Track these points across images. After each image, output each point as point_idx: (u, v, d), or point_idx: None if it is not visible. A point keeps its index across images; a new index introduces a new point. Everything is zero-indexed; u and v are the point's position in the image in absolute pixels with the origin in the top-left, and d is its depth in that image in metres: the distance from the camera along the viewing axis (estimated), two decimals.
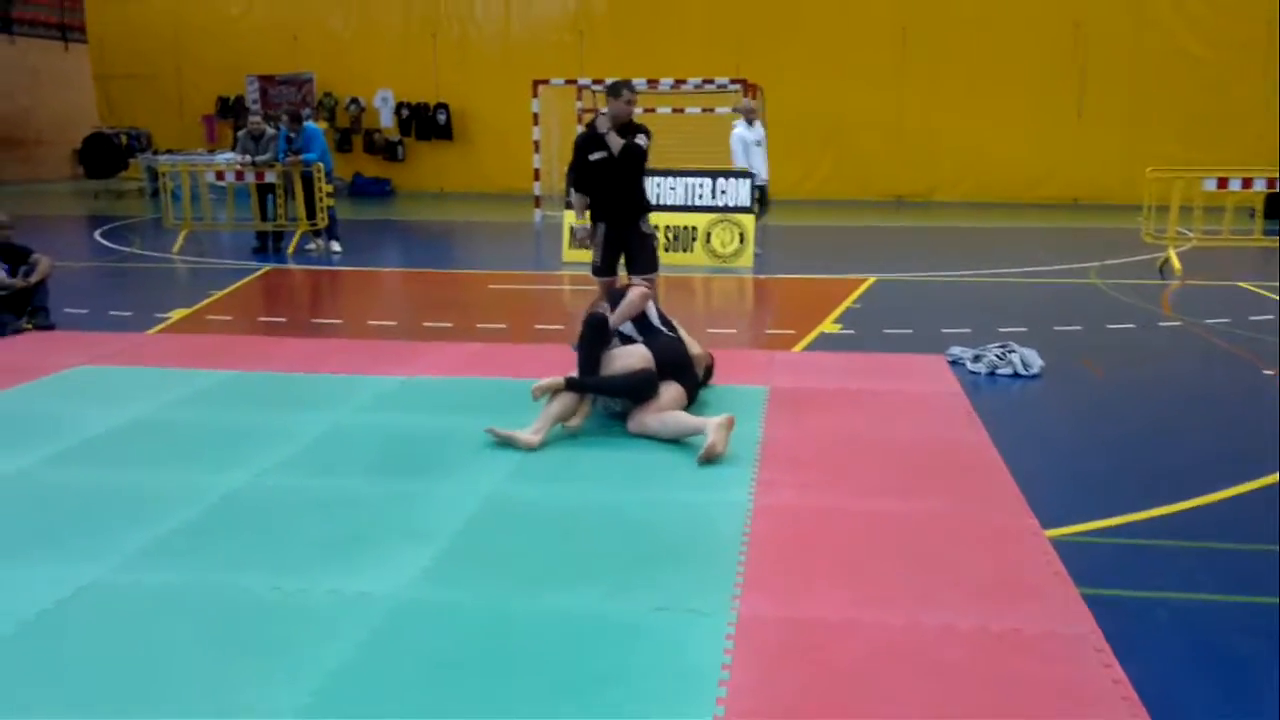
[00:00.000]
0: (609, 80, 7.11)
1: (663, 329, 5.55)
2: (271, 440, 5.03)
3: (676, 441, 4.95)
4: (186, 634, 3.17)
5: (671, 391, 5.20)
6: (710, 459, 4.67)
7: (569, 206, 6.95)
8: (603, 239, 6.91)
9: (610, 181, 6.74)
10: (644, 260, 6.94)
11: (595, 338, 5.29)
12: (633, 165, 6.69)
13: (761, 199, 12.44)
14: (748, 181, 12.15)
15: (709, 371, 5.88)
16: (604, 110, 6.80)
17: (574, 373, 5.20)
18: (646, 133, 6.75)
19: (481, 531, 3.97)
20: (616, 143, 6.60)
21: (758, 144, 12.44)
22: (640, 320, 5.50)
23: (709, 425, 4.79)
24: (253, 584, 3.49)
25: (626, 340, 5.42)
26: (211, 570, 3.60)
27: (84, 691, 2.86)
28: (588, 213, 6.89)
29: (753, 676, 2.91)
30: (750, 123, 12.52)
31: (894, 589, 3.47)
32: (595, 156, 6.71)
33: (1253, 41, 18.86)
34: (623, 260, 6.98)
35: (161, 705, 2.78)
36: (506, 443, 4.93)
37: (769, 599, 3.38)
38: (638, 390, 5.12)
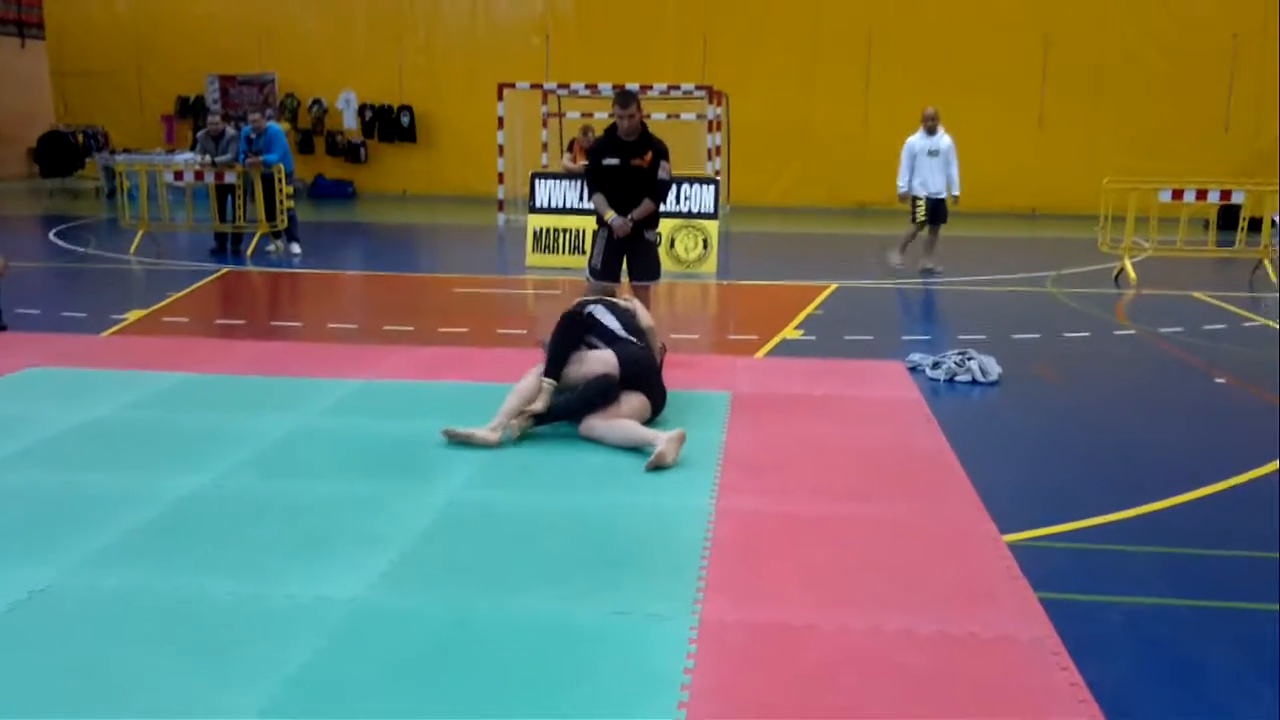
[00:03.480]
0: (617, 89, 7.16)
1: (631, 339, 5.48)
2: (229, 443, 4.97)
3: (634, 448, 4.94)
4: (142, 637, 3.12)
5: (633, 401, 5.19)
6: (658, 467, 4.65)
7: (596, 214, 6.95)
8: (604, 242, 6.92)
9: (621, 187, 6.80)
10: (645, 267, 7.00)
11: (565, 336, 5.29)
12: (648, 178, 6.77)
13: (932, 215, 11.58)
14: (712, 187, 12.18)
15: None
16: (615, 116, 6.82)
17: (537, 369, 5.23)
18: (665, 154, 6.82)
19: (442, 536, 3.95)
20: (667, 171, 6.80)
21: (931, 154, 11.53)
22: (604, 332, 5.47)
23: (660, 437, 4.78)
24: (209, 587, 3.44)
25: (592, 347, 5.41)
26: (168, 574, 3.55)
27: (38, 696, 2.81)
28: (610, 211, 6.83)
29: (714, 680, 2.91)
30: (931, 131, 11.58)
31: (854, 593, 3.49)
32: (608, 162, 6.81)
33: (1211, 55, 19.18)
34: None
35: (117, 709, 2.74)
36: (465, 441, 4.91)
37: (730, 603, 3.39)
38: (598, 400, 5.11)
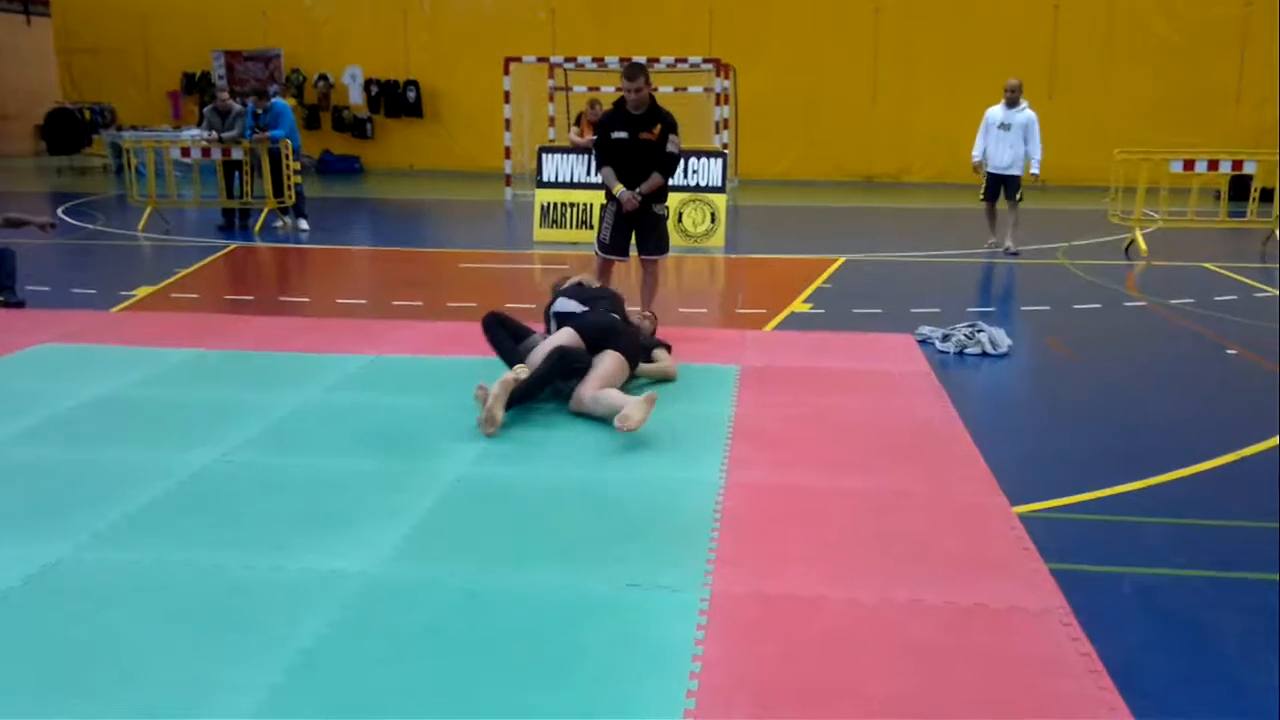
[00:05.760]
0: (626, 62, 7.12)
1: (588, 308, 5.58)
2: (240, 418, 4.98)
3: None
4: (156, 612, 3.14)
5: (608, 360, 5.22)
6: (624, 429, 4.56)
7: (604, 186, 6.94)
8: (613, 216, 6.90)
9: (629, 160, 6.79)
10: (654, 242, 7.00)
11: (493, 334, 5.49)
12: (656, 151, 6.75)
13: (990, 190, 11.29)
14: (720, 161, 12.12)
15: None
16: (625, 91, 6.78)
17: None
18: (674, 127, 6.77)
19: (453, 509, 3.96)
20: (676, 144, 6.77)
21: (1002, 127, 11.08)
22: (565, 317, 5.56)
23: (630, 401, 4.76)
24: (223, 561, 3.46)
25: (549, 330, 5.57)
26: (181, 548, 3.57)
27: (52, 670, 2.83)
28: (619, 185, 6.82)
29: (725, 652, 2.92)
30: (1011, 104, 11.14)
31: (864, 565, 3.49)
32: (616, 135, 6.79)
33: (1223, 25, 18.98)
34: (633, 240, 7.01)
35: (132, 683, 2.76)
36: (498, 397, 4.83)
37: (741, 575, 3.39)
38: (562, 369, 5.13)
